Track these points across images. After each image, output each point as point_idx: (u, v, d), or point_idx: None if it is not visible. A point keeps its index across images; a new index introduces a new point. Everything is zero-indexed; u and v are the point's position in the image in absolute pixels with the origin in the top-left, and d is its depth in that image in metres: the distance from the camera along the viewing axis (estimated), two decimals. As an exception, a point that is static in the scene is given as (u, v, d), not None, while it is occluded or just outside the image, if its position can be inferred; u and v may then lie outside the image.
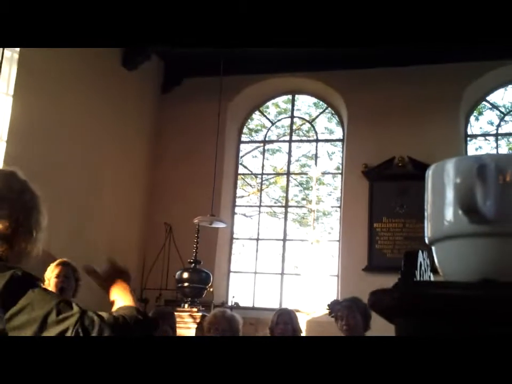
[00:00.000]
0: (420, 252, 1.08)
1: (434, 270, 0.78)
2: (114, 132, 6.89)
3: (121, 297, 1.75)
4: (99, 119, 6.62)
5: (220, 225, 6.50)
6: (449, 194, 0.63)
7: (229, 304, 6.81)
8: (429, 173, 0.67)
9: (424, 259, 0.77)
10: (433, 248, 0.68)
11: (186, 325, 5.39)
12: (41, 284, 1.76)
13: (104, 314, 1.55)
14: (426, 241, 0.68)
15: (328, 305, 3.82)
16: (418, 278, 1.13)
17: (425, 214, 0.68)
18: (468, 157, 0.62)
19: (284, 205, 8.08)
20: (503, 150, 7.48)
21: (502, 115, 7.54)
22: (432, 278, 0.77)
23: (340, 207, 7.45)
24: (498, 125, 7.54)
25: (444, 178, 0.64)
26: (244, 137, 8.36)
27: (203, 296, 5.84)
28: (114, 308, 1.74)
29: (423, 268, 1.15)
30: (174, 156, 7.62)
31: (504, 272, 0.61)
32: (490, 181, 0.61)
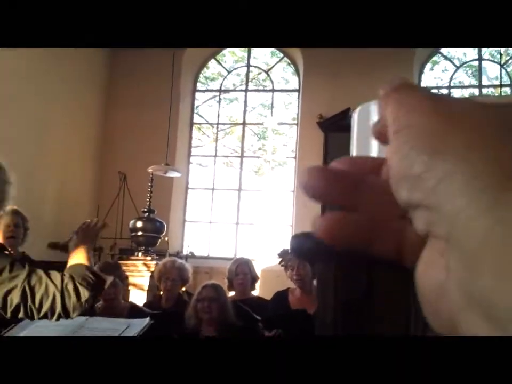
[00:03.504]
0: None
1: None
2: (67, 79, 6.70)
3: (75, 255, 1.74)
4: (52, 66, 6.42)
5: (175, 174, 6.45)
6: (374, 137, 0.62)
7: (184, 253, 6.85)
8: (354, 116, 0.65)
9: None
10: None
11: (140, 273, 5.41)
12: None
13: (53, 273, 1.54)
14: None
15: (279, 254, 3.84)
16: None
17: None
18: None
19: (239, 155, 8.05)
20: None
21: (455, 67, 7.63)
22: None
23: (295, 157, 7.48)
24: (451, 77, 7.62)
25: (368, 121, 0.63)
26: (199, 86, 8.23)
27: (157, 245, 5.84)
28: (68, 264, 1.72)
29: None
30: (129, 103, 7.47)
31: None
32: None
